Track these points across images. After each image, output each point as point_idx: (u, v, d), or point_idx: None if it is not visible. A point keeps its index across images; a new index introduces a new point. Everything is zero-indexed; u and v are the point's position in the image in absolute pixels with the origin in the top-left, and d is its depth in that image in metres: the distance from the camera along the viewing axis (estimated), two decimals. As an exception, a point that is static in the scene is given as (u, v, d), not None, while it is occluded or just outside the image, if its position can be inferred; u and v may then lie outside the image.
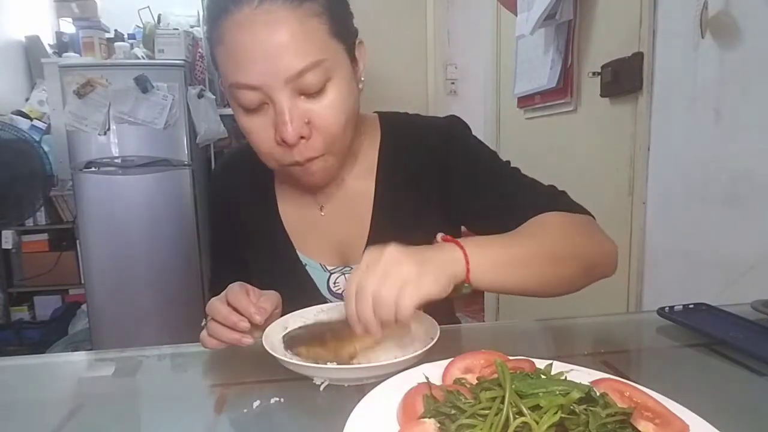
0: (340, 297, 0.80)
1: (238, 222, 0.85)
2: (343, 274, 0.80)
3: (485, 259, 0.57)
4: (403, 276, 0.50)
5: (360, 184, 0.79)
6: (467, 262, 0.55)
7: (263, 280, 0.85)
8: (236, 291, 0.62)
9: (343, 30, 0.66)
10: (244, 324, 0.60)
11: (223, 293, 0.64)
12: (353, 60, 0.69)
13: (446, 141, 0.78)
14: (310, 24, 0.61)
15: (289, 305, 0.68)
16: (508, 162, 0.79)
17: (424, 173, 0.78)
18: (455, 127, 0.80)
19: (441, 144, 0.78)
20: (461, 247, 0.56)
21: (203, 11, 2.80)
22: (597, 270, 0.68)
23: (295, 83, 0.61)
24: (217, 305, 0.62)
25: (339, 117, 0.65)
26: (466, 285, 0.56)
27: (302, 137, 0.63)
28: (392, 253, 0.52)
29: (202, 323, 0.65)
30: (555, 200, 0.72)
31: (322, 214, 0.80)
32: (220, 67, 0.65)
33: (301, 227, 0.81)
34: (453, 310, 0.94)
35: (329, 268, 0.80)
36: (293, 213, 0.81)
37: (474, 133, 0.83)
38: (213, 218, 0.92)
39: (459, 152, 0.77)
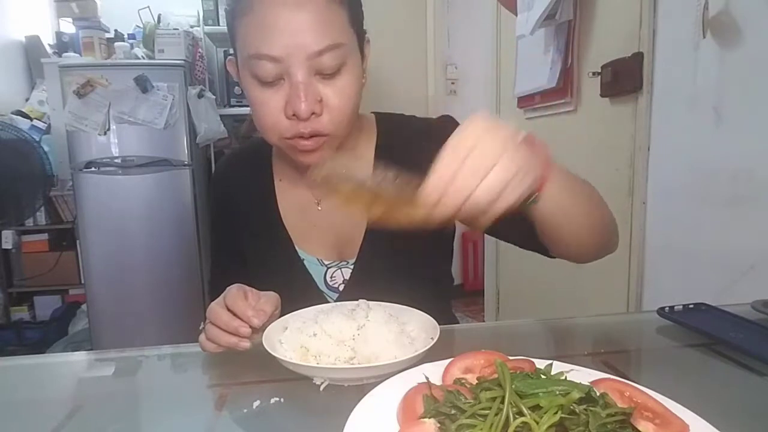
0: (336, 291, 0.82)
1: (239, 217, 0.86)
2: (340, 268, 0.82)
3: (561, 175, 0.54)
4: (514, 170, 0.45)
5: None
6: (546, 170, 0.52)
7: (262, 275, 0.86)
8: (234, 294, 0.62)
9: (358, 22, 0.70)
10: (245, 329, 0.59)
11: (221, 297, 0.63)
12: (362, 54, 0.73)
13: (438, 139, 0.79)
14: (335, 9, 0.65)
15: (286, 299, 0.69)
16: None
17: (418, 171, 0.79)
18: (447, 126, 0.81)
19: (433, 142, 0.79)
20: (546, 154, 0.51)
21: (203, 11, 2.81)
22: (611, 240, 0.69)
23: (314, 61, 0.64)
24: (217, 310, 0.61)
25: (348, 101, 0.68)
26: (534, 197, 0.52)
27: (313, 113, 0.66)
28: (506, 137, 0.45)
29: (200, 327, 0.65)
30: None
31: (319, 209, 0.82)
32: (241, 38, 0.67)
33: (299, 222, 0.83)
34: (451, 309, 0.94)
35: (326, 262, 0.82)
36: (292, 208, 0.83)
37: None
38: (213, 215, 0.93)
39: None
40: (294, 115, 0.65)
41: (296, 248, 0.82)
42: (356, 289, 0.74)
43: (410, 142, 0.80)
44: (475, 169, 0.44)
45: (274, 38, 0.63)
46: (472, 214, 0.46)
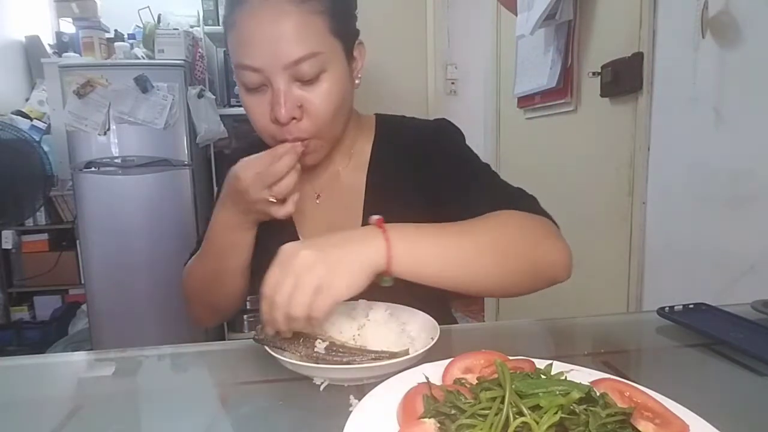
0: None
1: None
2: None
3: (410, 249, 0.56)
4: (315, 282, 0.51)
5: (353, 177, 0.84)
6: (389, 254, 0.54)
7: (262, 256, 0.87)
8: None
9: (342, 29, 0.72)
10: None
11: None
12: (350, 58, 0.75)
13: (431, 140, 0.82)
14: (311, 19, 0.67)
15: None
16: (488, 165, 0.81)
17: (410, 170, 0.81)
18: (441, 128, 0.85)
19: (426, 143, 0.82)
20: (386, 237, 0.55)
21: (203, 11, 2.81)
22: (545, 273, 0.66)
23: (291, 70, 0.67)
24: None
25: (329, 105, 0.70)
26: (385, 278, 0.56)
27: (294, 119, 0.69)
28: (305, 257, 0.52)
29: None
30: (517, 201, 0.72)
31: (317, 202, 0.85)
32: (230, 50, 0.72)
33: (301, 212, 0.85)
34: (449, 309, 0.94)
35: None
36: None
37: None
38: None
39: (440, 151, 0.81)
40: (276, 120, 0.69)
41: (298, 235, 0.85)
42: None
43: (406, 143, 0.83)
44: (282, 292, 0.52)
45: (253, 50, 0.67)
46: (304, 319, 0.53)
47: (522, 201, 0.73)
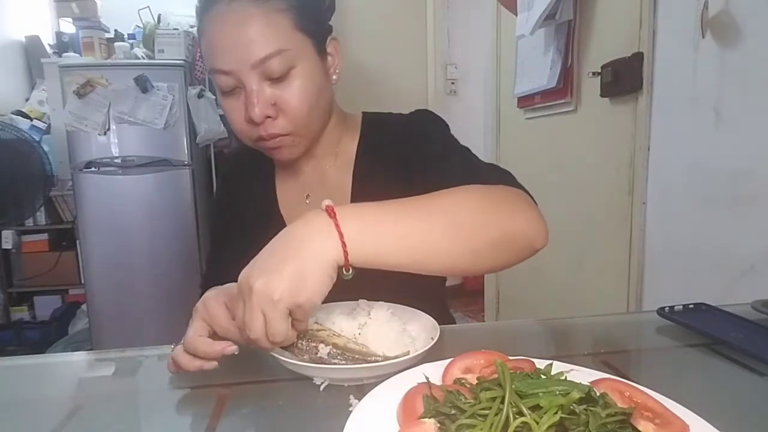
0: None
1: (242, 202, 0.90)
2: None
3: (365, 236, 0.52)
4: (283, 309, 0.49)
5: (339, 176, 0.85)
6: (344, 248, 0.51)
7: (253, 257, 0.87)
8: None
9: (311, 25, 0.73)
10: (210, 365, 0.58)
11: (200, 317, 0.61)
12: (323, 54, 0.76)
13: (408, 133, 0.83)
14: (274, 18, 0.69)
15: None
16: (466, 148, 0.80)
17: (393, 165, 0.82)
18: (419, 119, 0.85)
19: (404, 136, 0.83)
20: (338, 229, 0.51)
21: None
22: (519, 243, 0.61)
23: (260, 69, 0.69)
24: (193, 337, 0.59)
25: (302, 101, 0.72)
26: (345, 273, 0.53)
27: (268, 117, 0.71)
28: (261, 289, 0.49)
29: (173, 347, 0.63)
30: (489, 175, 0.69)
31: (307, 202, 0.86)
32: (203, 56, 0.74)
33: (292, 212, 0.87)
34: (447, 308, 0.94)
35: None
36: (287, 199, 0.88)
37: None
38: (217, 207, 0.96)
39: (416, 141, 0.81)
40: (251, 119, 0.70)
41: None
42: (343, 283, 0.75)
43: (387, 139, 0.84)
44: (256, 329, 0.50)
45: (222, 54, 0.69)
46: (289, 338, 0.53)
47: (494, 175, 0.70)
